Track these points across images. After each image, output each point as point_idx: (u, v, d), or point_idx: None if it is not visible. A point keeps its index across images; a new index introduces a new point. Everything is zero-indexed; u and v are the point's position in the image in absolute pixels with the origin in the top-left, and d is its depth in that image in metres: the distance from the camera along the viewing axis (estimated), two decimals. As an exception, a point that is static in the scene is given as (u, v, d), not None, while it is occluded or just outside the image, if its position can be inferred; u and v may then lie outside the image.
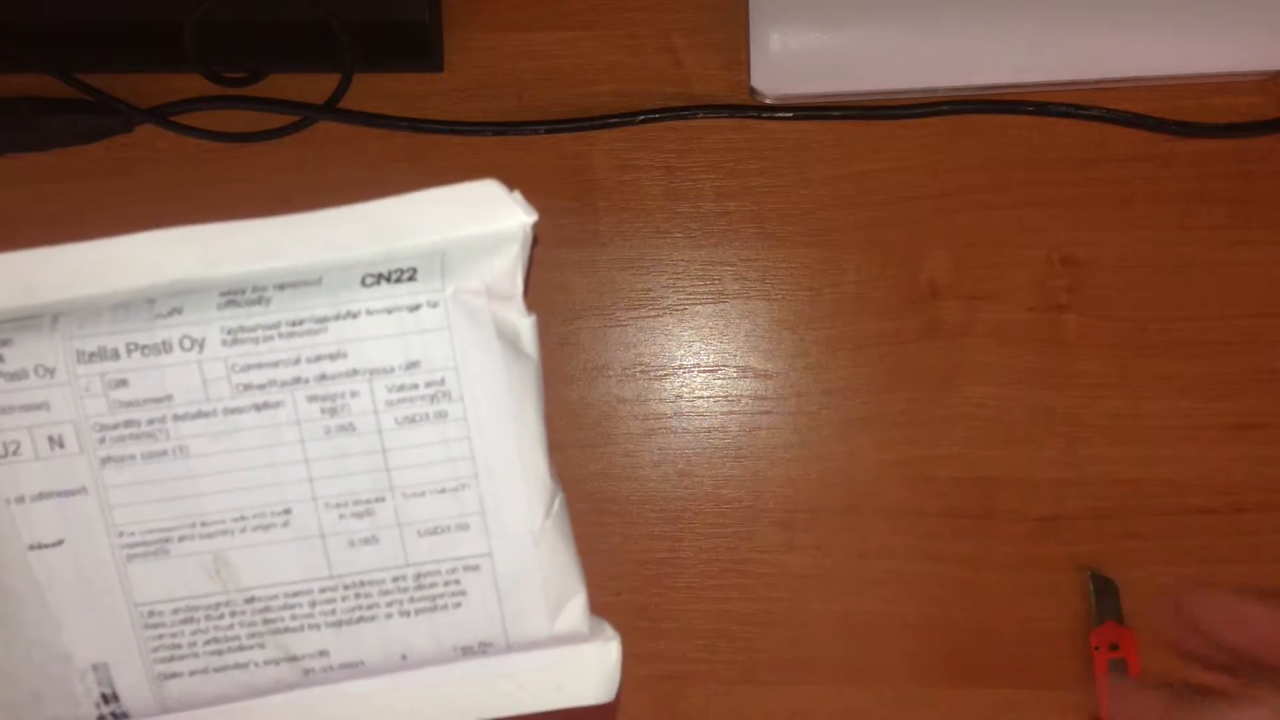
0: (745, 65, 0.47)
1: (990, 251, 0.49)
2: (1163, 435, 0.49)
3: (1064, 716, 0.49)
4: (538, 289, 0.50)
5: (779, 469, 0.49)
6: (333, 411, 0.30)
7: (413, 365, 0.30)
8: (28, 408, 0.30)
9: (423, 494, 0.31)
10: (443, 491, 0.31)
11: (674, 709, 0.50)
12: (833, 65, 0.47)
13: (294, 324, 0.29)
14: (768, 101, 0.48)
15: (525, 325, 0.33)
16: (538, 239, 0.32)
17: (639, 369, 0.50)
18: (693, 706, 0.50)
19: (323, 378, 0.30)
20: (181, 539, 0.31)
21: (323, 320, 0.29)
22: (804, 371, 0.49)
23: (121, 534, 0.31)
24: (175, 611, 0.32)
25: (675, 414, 0.50)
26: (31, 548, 0.31)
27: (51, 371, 0.30)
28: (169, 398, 0.30)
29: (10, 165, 0.50)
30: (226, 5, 0.47)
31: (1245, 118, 0.48)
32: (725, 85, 0.49)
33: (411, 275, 0.29)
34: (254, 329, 0.29)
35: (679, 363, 0.50)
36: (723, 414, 0.50)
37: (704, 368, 0.50)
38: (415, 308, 0.30)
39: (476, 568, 0.32)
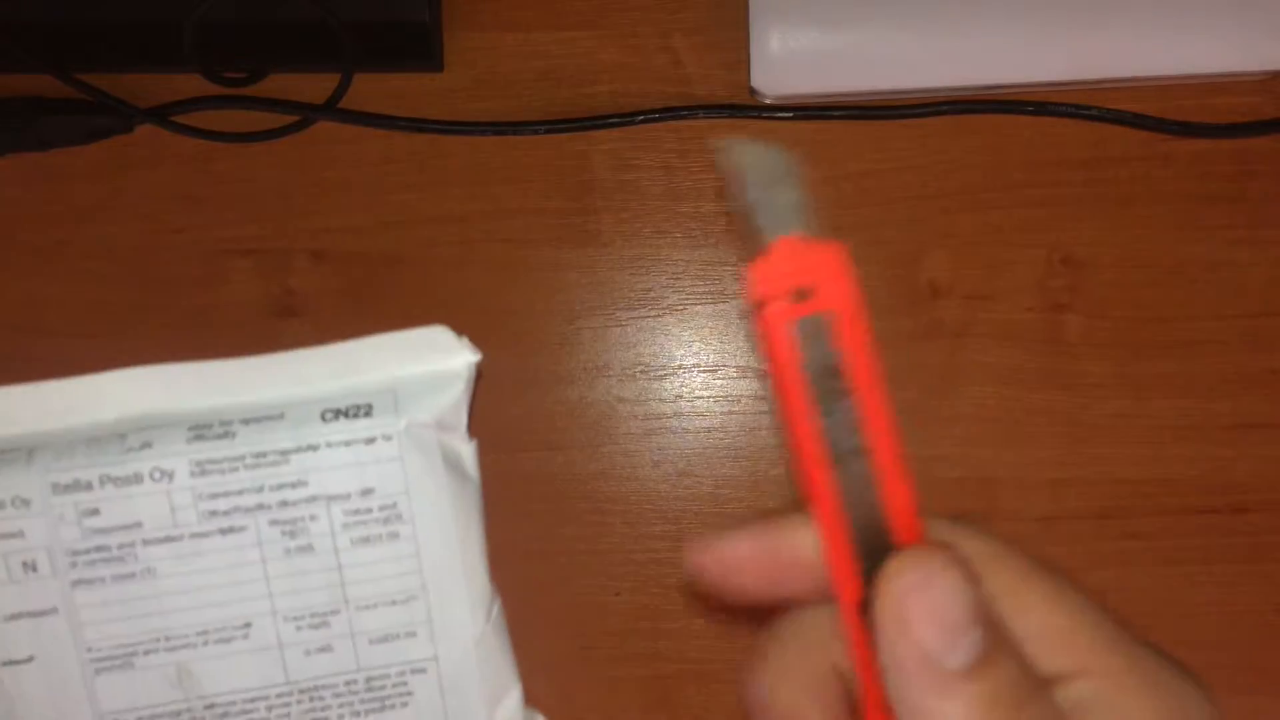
0: (745, 65, 0.47)
1: (990, 251, 0.49)
2: (1163, 435, 0.49)
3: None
4: (538, 289, 0.50)
5: (779, 469, 0.49)
6: (293, 534, 0.33)
7: (368, 491, 0.33)
8: (4, 536, 0.32)
9: (374, 606, 0.34)
10: (393, 603, 0.34)
11: (674, 709, 0.50)
12: (833, 65, 0.47)
13: (258, 456, 0.32)
14: (768, 101, 0.48)
15: (468, 451, 0.35)
16: (481, 373, 0.36)
17: (639, 369, 0.50)
18: (693, 706, 0.50)
19: (284, 504, 0.33)
20: (147, 652, 0.34)
21: (285, 453, 0.32)
22: (804, 371, 0.49)
23: (90, 650, 0.33)
24: (139, 719, 0.34)
25: (675, 414, 0.50)
26: (3, 664, 0.33)
27: (28, 503, 0.32)
28: (139, 524, 0.32)
29: (10, 165, 0.50)
30: (226, 5, 0.47)
31: (1245, 118, 0.48)
32: (725, 85, 0.49)
33: (368, 411, 0.32)
34: (220, 461, 0.32)
35: (679, 363, 0.50)
36: (723, 414, 0.50)
37: (704, 368, 0.50)
38: (371, 440, 0.33)
39: (423, 670, 0.35)
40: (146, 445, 0.30)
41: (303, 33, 0.48)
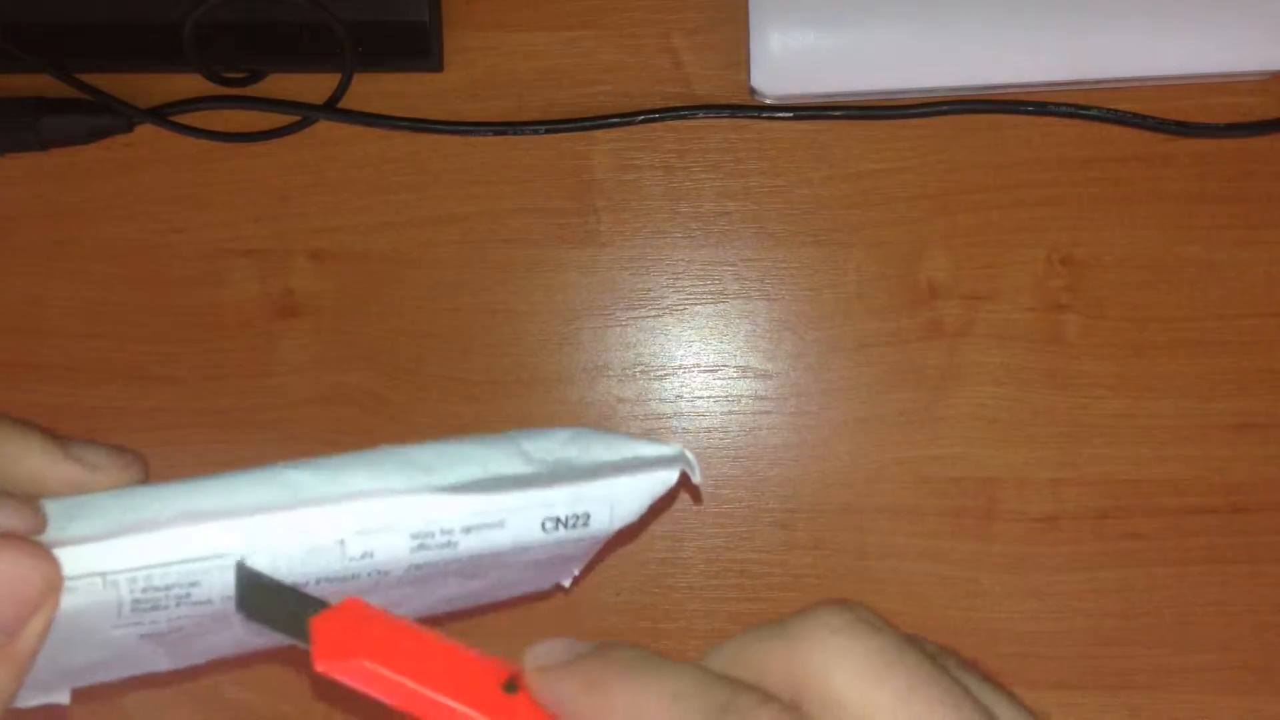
0: (745, 65, 0.47)
1: (990, 251, 0.49)
2: (1163, 435, 0.49)
3: (1064, 716, 0.49)
4: (538, 289, 0.50)
5: (779, 469, 0.49)
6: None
7: None
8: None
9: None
10: None
11: (674, 709, 0.50)
12: (833, 65, 0.47)
13: (473, 556, 0.31)
14: (768, 101, 0.48)
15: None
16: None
17: (639, 369, 0.50)
18: (693, 706, 0.50)
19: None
20: None
21: (499, 553, 0.31)
22: (804, 371, 0.49)
23: None
24: None
25: (675, 414, 0.50)
26: None
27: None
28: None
29: (10, 165, 0.50)
30: (226, 5, 0.47)
31: (1245, 118, 0.48)
32: (725, 85, 0.49)
33: (585, 521, 0.31)
34: (437, 563, 0.30)
35: (679, 363, 0.50)
36: (723, 414, 0.50)
37: (704, 368, 0.50)
38: (580, 541, 0.31)
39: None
40: (368, 555, 0.29)
41: (303, 33, 0.48)
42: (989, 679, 0.23)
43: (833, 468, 0.49)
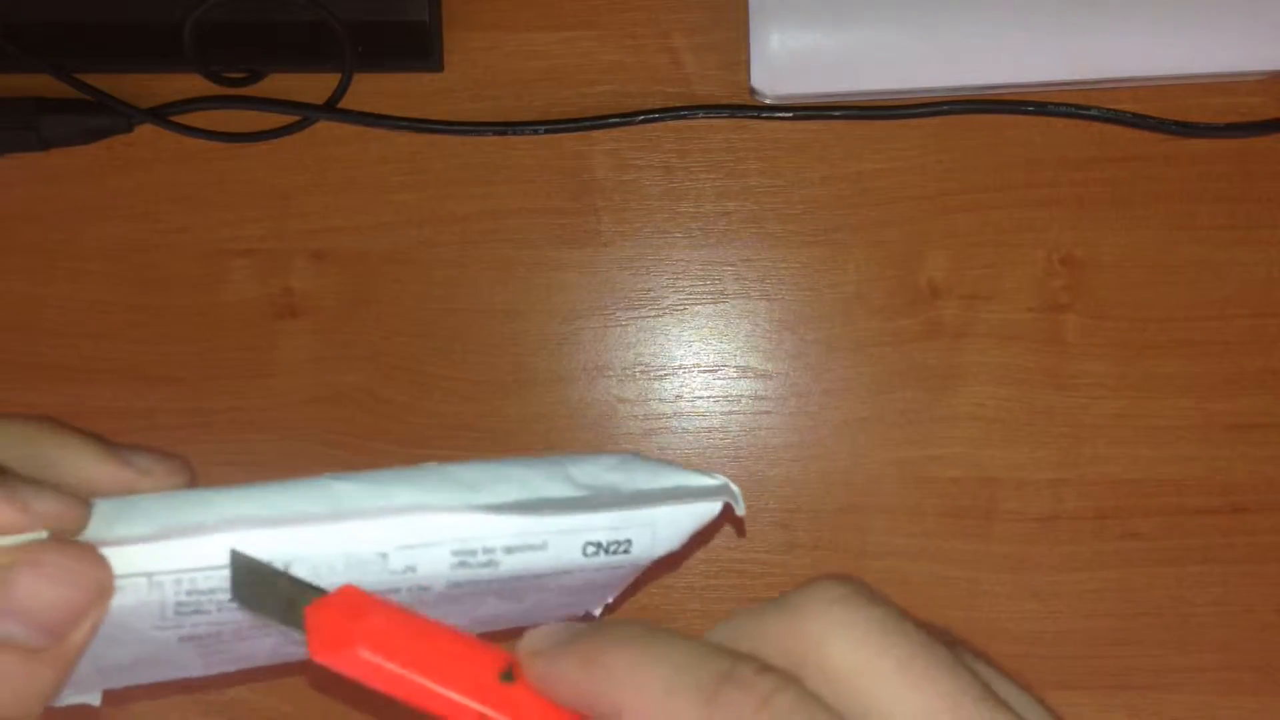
0: (745, 65, 0.47)
1: (990, 251, 0.49)
2: (1163, 435, 0.49)
3: (1064, 716, 0.49)
4: (538, 289, 0.50)
5: (779, 469, 0.49)
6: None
7: None
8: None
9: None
10: None
11: (674, 709, 0.50)
12: (833, 65, 0.47)
13: (515, 576, 0.31)
14: (768, 101, 0.48)
15: None
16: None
17: (639, 369, 0.50)
18: (693, 706, 0.50)
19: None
20: None
21: (539, 575, 0.31)
22: (804, 371, 0.49)
23: None
24: None
25: (675, 414, 0.50)
26: None
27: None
28: None
29: (10, 165, 0.50)
30: (226, 5, 0.47)
31: (1245, 118, 0.48)
32: (725, 85, 0.49)
33: (627, 548, 0.31)
34: (478, 582, 0.30)
35: (679, 363, 0.50)
36: (723, 414, 0.50)
37: (704, 368, 0.50)
38: (619, 567, 0.31)
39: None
40: (410, 570, 0.29)
41: (303, 33, 0.48)
42: (981, 656, 0.23)
43: (833, 468, 0.49)
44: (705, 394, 0.50)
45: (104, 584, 0.25)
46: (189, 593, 0.26)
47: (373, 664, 0.23)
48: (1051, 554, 0.49)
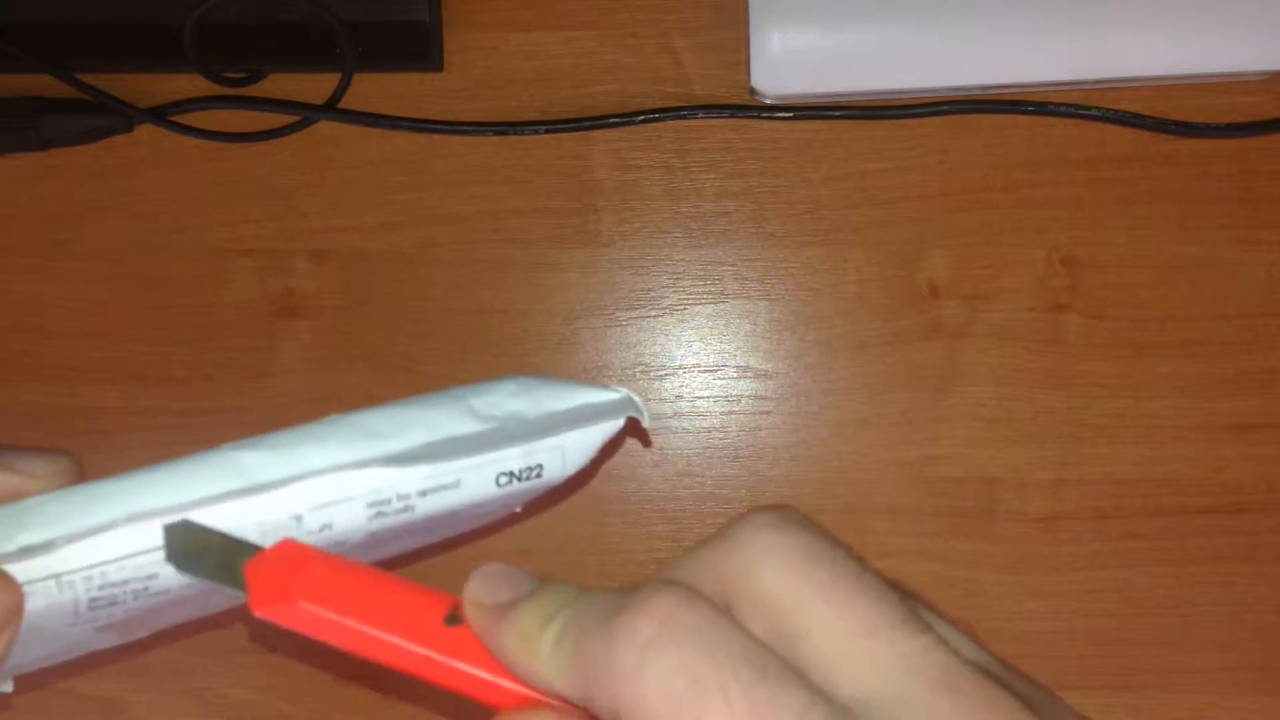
0: (745, 65, 0.47)
1: (990, 251, 0.49)
2: (1163, 435, 0.49)
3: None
4: (538, 289, 0.50)
5: (779, 469, 0.49)
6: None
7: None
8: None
9: None
10: None
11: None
12: (833, 65, 0.47)
13: (429, 517, 0.31)
14: (768, 101, 0.48)
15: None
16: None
17: (639, 369, 0.50)
18: (693, 706, 0.50)
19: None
20: None
21: (454, 511, 0.31)
22: (804, 371, 0.49)
23: None
24: None
25: (675, 414, 0.50)
26: None
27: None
28: None
29: (10, 165, 0.50)
30: (226, 5, 0.47)
31: (1245, 118, 0.48)
32: (725, 85, 0.49)
33: (539, 473, 0.31)
34: (394, 528, 0.30)
35: (679, 363, 0.50)
36: (723, 414, 0.50)
37: (704, 368, 0.50)
38: (532, 489, 0.31)
39: None
40: (327, 527, 0.29)
41: (303, 33, 0.48)
42: (934, 609, 0.23)
43: (833, 468, 0.49)
44: (705, 394, 0.50)
45: (14, 608, 0.25)
46: (101, 587, 0.26)
47: (314, 615, 0.23)
48: (1051, 554, 0.49)
